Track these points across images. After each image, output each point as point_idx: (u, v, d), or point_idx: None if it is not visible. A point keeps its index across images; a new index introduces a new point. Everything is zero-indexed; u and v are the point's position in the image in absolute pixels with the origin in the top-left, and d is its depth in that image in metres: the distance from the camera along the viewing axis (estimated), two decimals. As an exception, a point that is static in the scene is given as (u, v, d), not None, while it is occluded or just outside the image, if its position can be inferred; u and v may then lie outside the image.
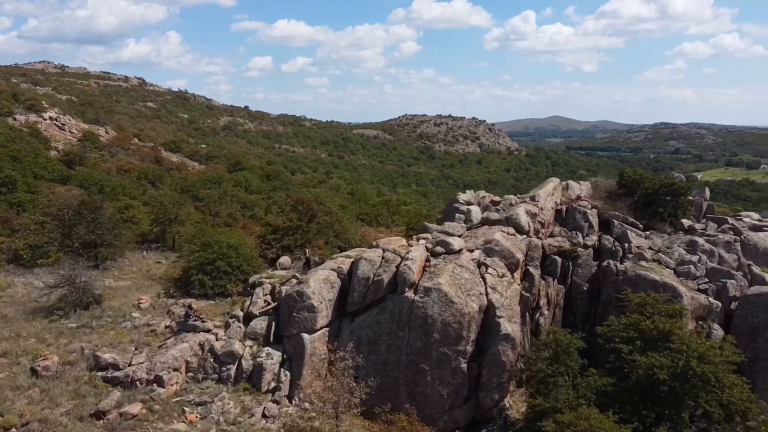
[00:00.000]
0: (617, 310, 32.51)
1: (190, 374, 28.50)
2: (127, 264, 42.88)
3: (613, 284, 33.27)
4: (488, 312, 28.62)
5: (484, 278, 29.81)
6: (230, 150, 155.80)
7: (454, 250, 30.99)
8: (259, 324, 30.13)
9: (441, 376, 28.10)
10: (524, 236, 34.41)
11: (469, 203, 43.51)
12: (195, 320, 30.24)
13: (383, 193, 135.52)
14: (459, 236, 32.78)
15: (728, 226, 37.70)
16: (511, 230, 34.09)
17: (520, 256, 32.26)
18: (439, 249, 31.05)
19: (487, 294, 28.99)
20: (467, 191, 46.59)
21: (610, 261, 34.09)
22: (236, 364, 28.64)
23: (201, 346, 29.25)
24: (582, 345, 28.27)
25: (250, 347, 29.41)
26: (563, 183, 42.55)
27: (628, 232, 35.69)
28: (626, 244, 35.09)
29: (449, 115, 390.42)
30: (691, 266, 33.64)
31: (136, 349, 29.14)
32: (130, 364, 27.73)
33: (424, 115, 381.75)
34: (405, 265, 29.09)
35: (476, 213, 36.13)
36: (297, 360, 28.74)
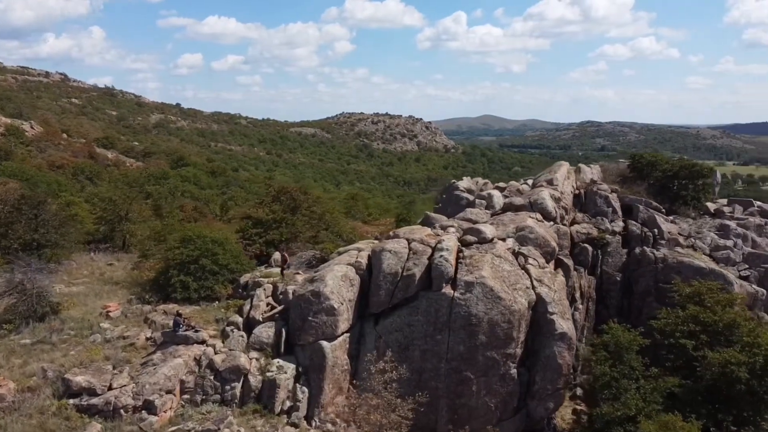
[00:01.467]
0: (658, 301, 29.56)
1: (186, 396, 23.29)
2: (75, 267, 36.77)
3: (652, 273, 30.28)
4: (537, 308, 24.82)
5: (526, 270, 25.99)
6: (168, 146, 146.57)
7: (486, 239, 27.06)
8: (265, 332, 25.17)
9: (488, 385, 24.07)
10: (551, 223, 30.87)
11: (469, 190, 39.89)
12: (186, 330, 24.97)
13: (329, 191, 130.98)
14: (486, 224, 28.77)
15: (755, 208, 35.61)
16: (539, 216, 30.46)
17: (554, 244, 28.69)
18: (469, 238, 27.03)
19: (533, 287, 25.16)
20: (464, 178, 42.94)
21: (645, 248, 31.10)
22: (242, 381, 23.64)
23: (197, 361, 24.04)
24: (644, 342, 24.93)
25: (257, 360, 24.43)
26: (573, 167, 39.42)
27: (656, 216, 32.82)
28: (655, 230, 32.21)
29: (386, 114, 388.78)
30: (729, 252, 31.09)
31: (114, 368, 23.69)
32: (110, 388, 22.34)
33: (362, 113, 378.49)
34: (440, 256, 24.89)
35: (498, 198, 32.37)
36: (315, 373, 24.02)
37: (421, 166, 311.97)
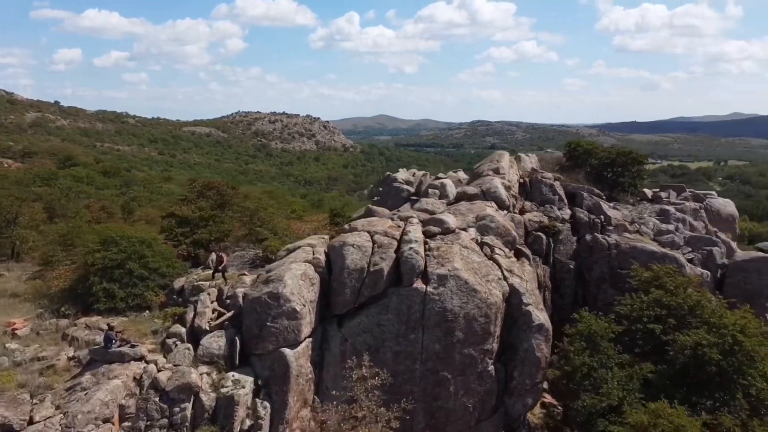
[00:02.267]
0: (614, 287, 29.37)
1: (127, 424, 19.84)
2: (-45, 280, 31.63)
3: (606, 259, 30.06)
4: (511, 300, 23.53)
5: (495, 260, 24.64)
6: (51, 146, 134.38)
7: (450, 230, 25.47)
8: (215, 342, 22.10)
9: (466, 384, 22.47)
10: (505, 212, 29.87)
11: (408, 182, 38.28)
12: (120, 345, 21.39)
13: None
14: (447, 213, 27.20)
15: (688, 193, 36.61)
16: (493, 205, 29.33)
17: (515, 233, 27.62)
18: (433, 229, 25.30)
19: (505, 278, 23.85)
20: (401, 170, 41.26)
21: (597, 235, 30.83)
22: (192, 400, 20.50)
23: (137, 381, 20.61)
24: (618, 329, 24.34)
25: (208, 375, 21.36)
26: (512, 156, 38.83)
27: (601, 203, 32.78)
28: (601, 216, 32.13)
29: (284, 113, 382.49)
30: (673, 236, 31.53)
31: (32, 397, 19.83)
32: (31, 422, 18.61)
33: (258, 112, 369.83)
34: (410, 249, 22.98)
35: (451, 187, 30.88)
36: (278, 385, 21.33)
37: (321, 165, 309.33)
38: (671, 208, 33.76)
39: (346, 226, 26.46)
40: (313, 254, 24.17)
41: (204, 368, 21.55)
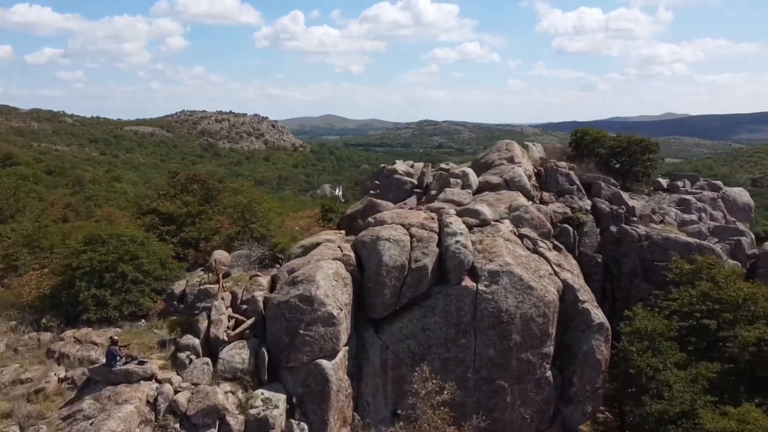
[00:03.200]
0: (647, 281, 27.63)
1: (143, 457, 16.47)
2: None
3: (637, 252, 28.25)
4: (565, 297, 21.29)
5: (542, 255, 22.36)
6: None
7: (487, 221, 23.05)
8: (237, 355, 18.95)
9: (523, 393, 20.08)
10: (530, 202, 27.67)
11: (408, 174, 35.78)
12: (128, 362, 17.97)
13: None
14: (481, 203, 24.77)
15: (704, 182, 35.40)
16: (519, 195, 27.09)
17: (549, 225, 25.44)
18: (469, 220, 22.82)
19: (556, 273, 21.59)
20: (397, 161, 38.63)
21: (625, 226, 29.01)
22: (218, 425, 17.29)
23: (152, 405, 17.28)
24: (677, 326, 22.43)
25: (233, 394, 18.19)
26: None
27: (621, 193, 31.07)
28: (623, 207, 30.38)
29: (231, 112, 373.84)
30: (699, 226, 30.09)
31: (22, 429, 16.27)
32: (26, 461, 14.99)
33: (204, 111, 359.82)
34: (456, 242, 20.43)
35: (473, 177, 28.39)
36: (315, 402, 18.42)
37: (271, 164, 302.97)
38: (691, 198, 32.39)
39: (370, 219, 23.62)
40: (342, 251, 21.27)
41: (227, 386, 18.37)
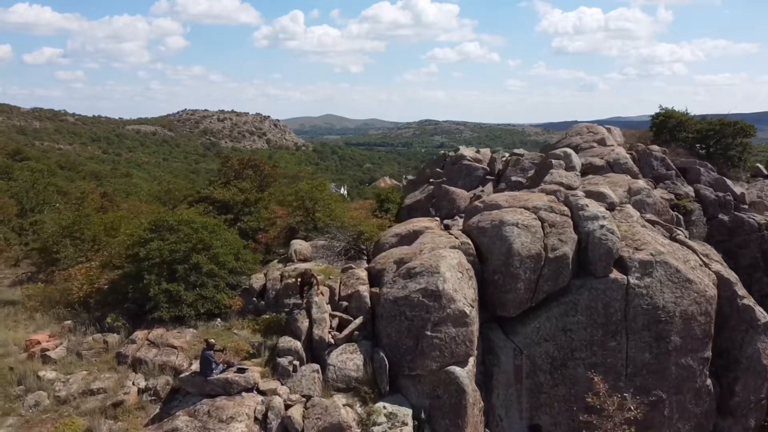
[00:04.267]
0: (769, 275, 24.53)
1: (257, 488, 13.35)
2: None
3: (756, 243, 25.18)
4: (721, 293, 18.24)
5: (685, 244, 19.30)
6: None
7: (614, 205, 19.97)
8: (350, 360, 15.88)
9: (681, 405, 17.06)
10: (638, 187, 24.58)
11: (477, 160, 32.79)
12: (225, 369, 14.86)
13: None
14: (602, 185, 21.71)
15: (803, 169, 32.40)
16: (630, 178, 24.02)
17: (671, 211, 22.39)
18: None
19: (706, 265, 18.52)
20: (461, 147, 35.65)
21: (740, 214, 25.98)
22: (340, 445, 14.18)
23: (261, 422, 14.14)
24: None
25: (351, 407, 15.07)
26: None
27: (725, 179, 28.04)
28: (729, 193, 27.32)
29: (233, 111, 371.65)
30: (814, 214, 27.04)
31: (108, 453, 13.10)
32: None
33: (206, 110, 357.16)
34: (600, 227, 17.36)
35: (576, 158, 25.28)
36: (447, 417, 15.38)
37: (274, 164, 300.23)
38: (800, 185, 29.39)
39: (478, 204, 20.50)
40: (457, 238, 18.18)
41: (341, 398, 15.25)
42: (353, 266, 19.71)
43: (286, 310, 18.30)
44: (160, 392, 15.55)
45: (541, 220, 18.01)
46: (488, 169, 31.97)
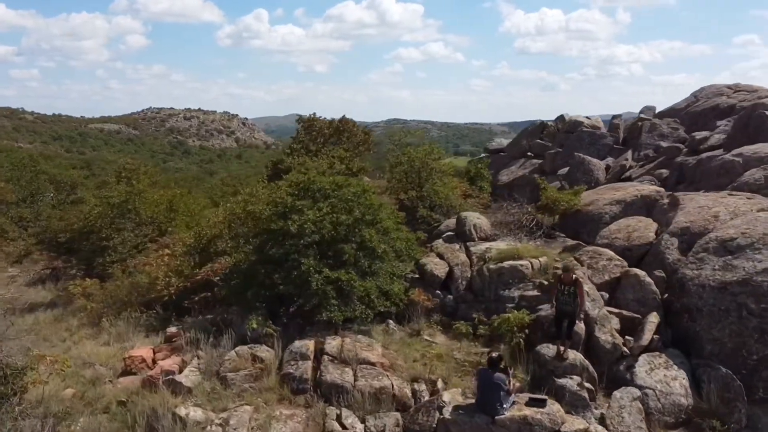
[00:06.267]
0: None
1: None
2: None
3: None
4: None
5: None
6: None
7: None
8: (672, 380, 10.37)
9: None
10: None
11: (595, 127, 27.85)
12: (514, 401, 9.09)
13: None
14: None
15: None
16: None
17: None
18: None
19: None
20: (564, 114, 30.52)
21: None
22: None
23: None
24: None
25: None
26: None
27: None
28: None
29: (200, 109, 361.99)
30: None
31: None
32: None
33: (172, 108, 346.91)
34: None
35: None
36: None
37: (244, 163, 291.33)
38: None
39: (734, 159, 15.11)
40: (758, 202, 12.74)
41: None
42: (582, 244, 14.10)
43: (509, 305, 12.61)
44: (389, 437, 9.71)
45: None
46: (613, 134, 26.87)
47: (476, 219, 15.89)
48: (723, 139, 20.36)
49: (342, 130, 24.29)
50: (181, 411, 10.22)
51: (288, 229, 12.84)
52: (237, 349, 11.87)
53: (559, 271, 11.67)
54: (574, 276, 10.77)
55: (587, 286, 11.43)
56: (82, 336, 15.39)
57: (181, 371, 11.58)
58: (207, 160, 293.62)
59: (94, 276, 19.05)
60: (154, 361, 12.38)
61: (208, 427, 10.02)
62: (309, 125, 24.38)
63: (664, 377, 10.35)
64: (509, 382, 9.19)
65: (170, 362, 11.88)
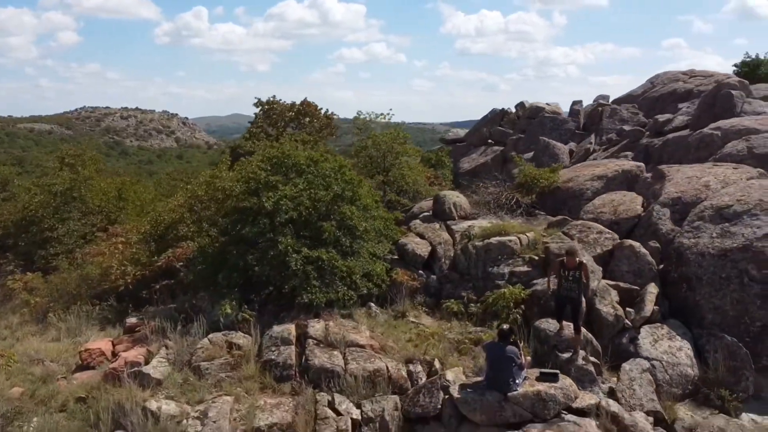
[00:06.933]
0: None
1: None
2: None
3: None
4: None
5: None
6: None
7: None
8: (678, 350, 9.89)
9: None
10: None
11: (556, 112, 27.90)
12: (525, 376, 8.45)
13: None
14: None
15: None
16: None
17: None
18: None
19: None
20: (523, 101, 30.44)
21: None
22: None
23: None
24: None
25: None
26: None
27: None
28: None
29: (137, 108, 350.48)
30: None
31: None
32: None
33: (108, 107, 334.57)
34: None
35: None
36: None
37: (185, 162, 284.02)
38: None
39: (712, 131, 15.02)
40: (736, 169, 12.60)
41: (687, 410, 9.26)
42: (569, 218, 13.67)
43: (501, 282, 12.00)
44: (389, 423, 8.88)
45: None
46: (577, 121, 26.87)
47: (456, 198, 15.25)
48: (687, 120, 20.45)
49: (304, 113, 23.24)
50: (152, 405, 9.12)
51: (262, 207, 11.83)
52: (210, 336, 10.80)
53: (558, 254, 11.09)
54: (578, 259, 10.08)
55: (585, 258, 10.90)
56: (27, 333, 13.98)
57: (147, 363, 10.45)
58: (146, 161, 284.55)
59: (36, 270, 17.51)
60: (114, 354, 11.18)
61: (184, 421, 8.98)
62: (269, 108, 23.19)
63: (669, 348, 9.94)
64: (521, 356, 8.52)
65: (134, 353, 10.72)
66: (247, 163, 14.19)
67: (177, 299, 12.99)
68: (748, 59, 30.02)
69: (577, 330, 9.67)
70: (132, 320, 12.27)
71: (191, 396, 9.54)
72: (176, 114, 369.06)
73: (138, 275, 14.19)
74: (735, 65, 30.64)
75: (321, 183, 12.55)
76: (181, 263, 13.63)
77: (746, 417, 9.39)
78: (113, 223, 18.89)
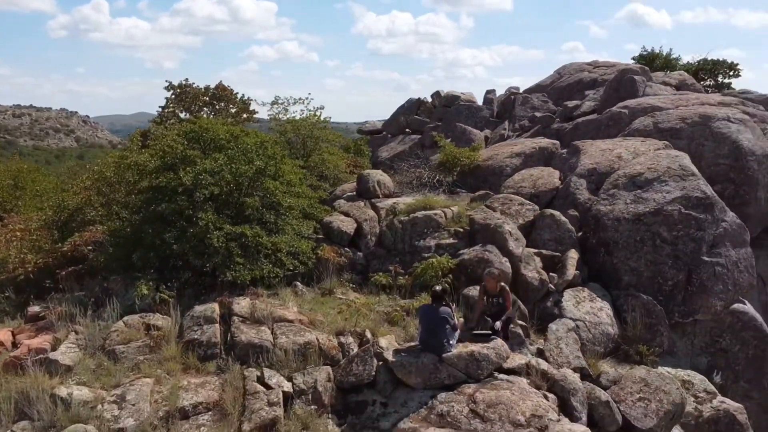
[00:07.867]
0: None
1: None
2: None
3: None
4: None
5: None
6: None
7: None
8: (599, 311, 10.32)
9: None
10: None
11: (471, 101, 28.59)
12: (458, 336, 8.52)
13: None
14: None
15: None
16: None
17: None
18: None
19: None
20: (438, 90, 30.88)
21: None
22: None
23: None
24: None
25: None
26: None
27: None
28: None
29: (31, 106, 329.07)
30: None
31: None
32: None
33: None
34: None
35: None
36: (743, 377, 10.39)
37: (87, 163, 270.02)
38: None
39: (621, 110, 15.74)
40: (644, 142, 13.30)
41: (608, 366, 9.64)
42: (491, 193, 13.90)
43: (428, 255, 12.03)
44: (322, 395, 8.63)
45: (750, 115, 13.79)
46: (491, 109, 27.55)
47: (379, 176, 15.17)
48: (594, 105, 21.42)
49: (219, 97, 22.44)
50: (62, 391, 8.41)
51: (180, 183, 11.23)
52: (125, 318, 10.13)
53: (483, 223, 11.15)
54: (500, 284, 9.49)
55: (509, 226, 11.09)
56: None
57: (54, 349, 9.64)
58: (43, 162, 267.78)
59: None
60: (14, 345, 10.26)
61: (99, 406, 8.33)
62: (181, 92, 22.18)
63: (590, 309, 10.29)
64: (454, 317, 8.51)
65: (39, 341, 9.86)
66: (162, 137, 13.45)
67: (86, 285, 12.12)
68: (645, 53, 31.87)
69: (504, 338, 9.22)
70: (34, 309, 11.29)
71: (106, 380, 8.88)
72: (76, 112, 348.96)
73: (40, 263, 13.12)
74: (633, 58, 32.43)
75: (243, 158, 12.07)
76: (90, 247, 12.71)
77: (662, 370, 9.84)
78: (9, 212, 17.46)
